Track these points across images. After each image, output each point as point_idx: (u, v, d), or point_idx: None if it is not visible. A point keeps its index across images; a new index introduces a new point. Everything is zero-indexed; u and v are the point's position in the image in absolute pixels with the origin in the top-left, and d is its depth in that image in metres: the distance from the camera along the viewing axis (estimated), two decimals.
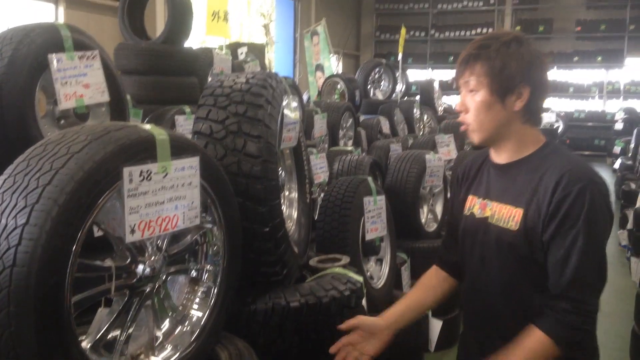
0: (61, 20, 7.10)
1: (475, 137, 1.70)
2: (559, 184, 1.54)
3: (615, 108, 16.46)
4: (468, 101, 1.66)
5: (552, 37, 17.05)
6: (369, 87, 8.91)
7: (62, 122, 2.46)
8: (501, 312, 1.69)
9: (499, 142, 1.69)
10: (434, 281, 1.96)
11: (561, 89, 17.01)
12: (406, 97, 9.06)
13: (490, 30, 16.66)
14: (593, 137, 16.66)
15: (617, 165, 11.47)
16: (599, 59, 16.62)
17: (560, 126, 14.88)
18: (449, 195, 2.12)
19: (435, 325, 3.32)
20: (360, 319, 1.88)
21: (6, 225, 1.21)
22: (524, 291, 1.64)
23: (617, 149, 12.49)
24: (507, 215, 1.63)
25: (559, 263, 1.54)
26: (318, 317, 1.97)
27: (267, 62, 6.34)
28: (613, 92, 16.94)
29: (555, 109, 15.60)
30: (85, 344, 1.44)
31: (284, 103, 2.17)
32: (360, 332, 1.84)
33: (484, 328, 1.78)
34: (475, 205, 1.75)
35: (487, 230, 1.69)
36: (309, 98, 9.10)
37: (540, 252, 1.58)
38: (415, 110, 7.96)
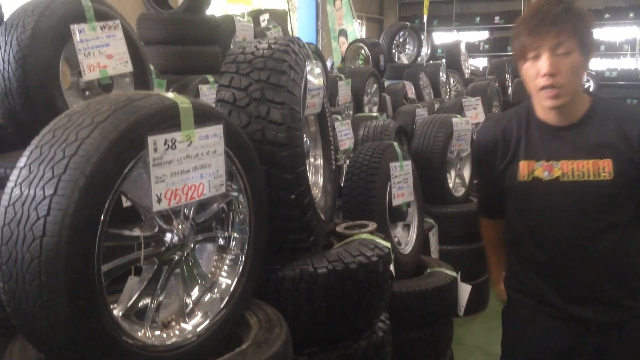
0: None
1: (563, 100, 1.70)
2: None
3: None
4: (560, 63, 1.66)
5: None
6: (393, 51, 8.77)
7: (87, 93, 2.47)
8: (598, 269, 1.75)
9: (572, 102, 1.72)
10: (497, 235, 2.07)
11: None
12: (432, 61, 8.89)
13: None
14: (625, 97, 16.18)
15: None
16: (631, 15, 16.02)
17: (591, 86, 14.48)
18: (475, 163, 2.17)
19: (464, 290, 3.31)
20: None
21: (35, 196, 1.23)
22: (624, 239, 1.73)
23: None
24: (593, 169, 1.69)
25: None
26: (345, 283, 1.97)
27: (289, 29, 6.25)
28: None
29: None
30: (117, 312, 1.46)
31: (307, 69, 2.14)
32: None
33: (563, 289, 1.81)
34: (536, 169, 1.77)
35: (567, 189, 1.73)
36: (332, 64, 9.00)
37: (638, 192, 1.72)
38: (441, 74, 7.82)
